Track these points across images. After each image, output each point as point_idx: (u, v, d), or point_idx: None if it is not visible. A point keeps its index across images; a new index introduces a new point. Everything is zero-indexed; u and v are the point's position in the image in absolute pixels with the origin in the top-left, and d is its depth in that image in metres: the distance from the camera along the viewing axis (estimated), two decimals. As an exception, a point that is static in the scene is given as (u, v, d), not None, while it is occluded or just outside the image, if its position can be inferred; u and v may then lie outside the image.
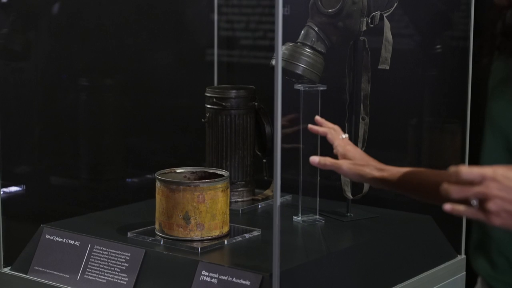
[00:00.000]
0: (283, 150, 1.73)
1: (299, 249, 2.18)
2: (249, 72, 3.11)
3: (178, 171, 2.26)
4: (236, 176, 2.50)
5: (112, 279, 2.08)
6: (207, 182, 2.12)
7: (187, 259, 2.02)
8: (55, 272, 2.17)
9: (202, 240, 2.12)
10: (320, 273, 2.02)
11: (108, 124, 2.97)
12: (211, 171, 2.27)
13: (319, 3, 2.33)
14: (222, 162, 2.50)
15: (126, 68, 2.99)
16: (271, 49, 2.00)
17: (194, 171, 2.28)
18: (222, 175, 2.20)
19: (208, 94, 2.53)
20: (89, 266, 2.13)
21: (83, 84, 2.89)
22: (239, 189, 2.52)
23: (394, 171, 1.66)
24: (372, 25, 2.34)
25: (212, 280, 1.95)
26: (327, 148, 1.86)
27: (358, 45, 2.38)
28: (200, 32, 3.18)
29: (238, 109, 2.50)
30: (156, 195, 2.16)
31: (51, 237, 2.23)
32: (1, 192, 2.35)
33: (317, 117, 1.88)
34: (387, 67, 2.35)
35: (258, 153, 2.58)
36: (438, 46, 2.76)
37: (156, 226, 2.17)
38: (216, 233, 2.14)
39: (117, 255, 2.11)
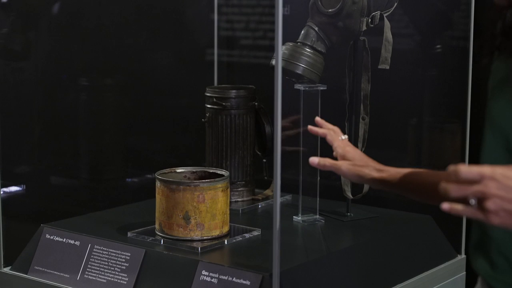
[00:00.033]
0: (283, 151, 1.73)
1: (299, 249, 2.18)
2: (249, 72, 3.11)
3: (178, 171, 2.26)
4: (236, 176, 2.50)
5: (112, 279, 2.08)
6: (207, 182, 2.13)
7: (187, 259, 2.02)
8: (55, 272, 2.17)
9: (202, 240, 2.12)
10: (320, 273, 2.02)
11: (108, 124, 2.97)
12: (211, 171, 2.27)
13: (319, 3, 2.33)
14: (222, 162, 2.50)
15: (126, 68, 2.99)
16: (271, 49, 2.00)
17: (194, 171, 2.28)
18: (222, 175, 2.20)
19: (208, 94, 2.53)
20: (89, 266, 2.14)
21: (83, 84, 2.89)
22: (239, 189, 2.52)
23: (393, 172, 1.67)
24: (372, 25, 2.34)
25: (212, 280, 1.95)
26: (327, 149, 1.86)
27: (358, 45, 2.38)
28: (200, 32, 3.18)
29: (238, 109, 2.50)
30: (156, 195, 2.16)
31: (51, 237, 2.23)
32: (1, 192, 2.35)
33: (317, 118, 1.88)
34: (387, 67, 2.35)
35: (258, 153, 2.58)
36: (438, 46, 2.76)
37: (156, 226, 2.17)
38: (216, 233, 2.14)
39: (117, 255, 2.11)
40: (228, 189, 2.18)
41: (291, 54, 2.31)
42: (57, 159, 2.88)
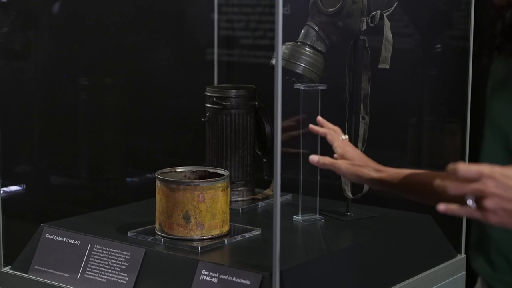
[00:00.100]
0: (284, 152, 1.74)
1: (299, 248, 2.18)
2: (249, 72, 3.11)
3: (178, 170, 2.26)
4: (236, 175, 2.50)
5: (112, 279, 2.08)
6: (207, 181, 2.13)
7: (187, 259, 2.02)
8: (55, 272, 2.17)
9: (202, 240, 2.12)
10: (320, 272, 2.02)
11: (108, 124, 2.97)
12: (211, 170, 2.27)
13: (319, 2, 2.33)
14: (222, 162, 2.50)
15: (126, 68, 2.99)
16: (271, 48, 2.00)
17: (194, 170, 2.28)
18: (222, 175, 2.20)
19: (208, 94, 2.53)
20: (89, 266, 2.14)
21: (83, 84, 2.89)
22: (239, 189, 2.52)
23: (391, 172, 1.67)
24: (372, 25, 2.34)
25: (212, 280, 1.95)
26: (327, 148, 1.86)
27: (358, 44, 2.38)
28: (200, 31, 3.18)
29: (238, 108, 2.50)
30: (156, 195, 2.16)
31: (51, 237, 2.24)
32: (1, 192, 2.35)
33: (319, 118, 1.89)
34: (387, 67, 2.35)
35: (258, 152, 2.58)
36: (438, 46, 2.76)
37: (156, 225, 2.17)
38: (216, 232, 2.14)
39: (117, 255, 2.11)
40: (228, 189, 2.18)
41: (291, 54, 2.31)
42: (57, 158, 2.88)
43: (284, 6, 2.56)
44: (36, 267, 2.21)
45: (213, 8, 3.05)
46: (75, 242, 2.19)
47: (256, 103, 2.53)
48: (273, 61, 2.19)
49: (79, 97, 2.89)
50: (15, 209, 2.60)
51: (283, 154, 1.72)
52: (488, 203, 1.24)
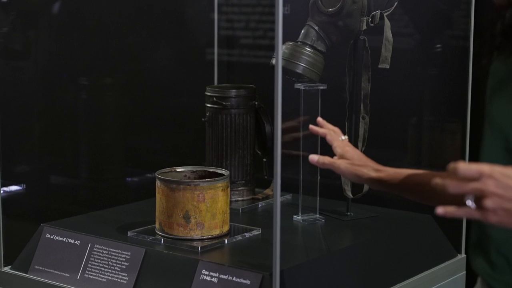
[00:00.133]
0: (284, 154, 1.74)
1: (299, 248, 2.18)
2: (249, 71, 3.11)
3: (178, 170, 2.26)
4: (236, 175, 2.50)
5: (112, 278, 2.08)
6: (207, 181, 2.13)
7: (187, 258, 2.02)
8: (55, 271, 2.17)
9: (202, 239, 2.12)
10: (320, 272, 2.02)
11: (108, 123, 2.97)
12: (211, 170, 2.27)
13: (319, 2, 2.33)
14: (222, 161, 2.50)
15: (126, 68, 2.99)
16: (271, 48, 2.00)
17: (194, 170, 2.28)
18: (222, 174, 2.20)
19: (208, 93, 2.53)
20: (89, 265, 2.14)
21: (83, 83, 2.89)
22: (239, 188, 2.52)
23: (391, 172, 1.67)
24: (372, 24, 2.34)
25: (212, 279, 1.95)
26: (327, 149, 1.86)
27: (358, 44, 2.38)
28: (200, 31, 3.18)
29: (238, 108, 2.50)
30: (156, 194, 2.16)
31: (51, 236, 2.24)
32: (1, 191, 2.35)
33: (319, 119, 1.90)
34: (387, 66, 2.35)
35: (258, 152, 2.58)
36: (438, 45, 2.76)
37: (156, 225, 2.17)
38: (216, 232, 2.14)
39: (117, 254, 2.11)
40: (228, 189, 2.18)
41: (291, 54, 2.31)
42: (57, 158, 2.88)
43: (284, 6, 2.56)
44: (36, 267, 2.21)
45: (213, 8, 3.05)
46: (75, 242, 2.19)
47: (256, 103, 2.53)
48: (273, 61, 2.19)
49: (79, 97, 2.89)
50: (15, 209, 2.60)
51: (285, 155, 1.72)
52: (488, 202, 1.24)
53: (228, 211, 2.18)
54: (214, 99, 2.50)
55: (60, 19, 2.84)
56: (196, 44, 3.17)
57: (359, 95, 2.40)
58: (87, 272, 2.13)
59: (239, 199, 2.52)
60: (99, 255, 2.13)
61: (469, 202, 1.26)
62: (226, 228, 2.17)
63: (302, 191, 2.35)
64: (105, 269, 2.10)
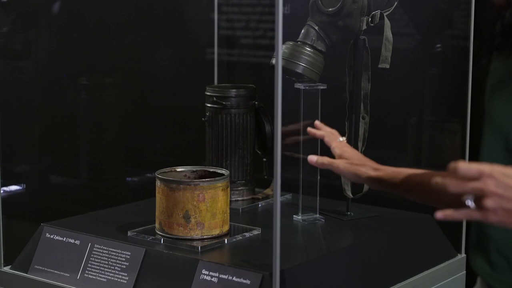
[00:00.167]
0: (289, 155, 1.75)
1: (299, 248, 2.18)
2: (249, 71, 3.11)
3: (178, 170, 2.26)
4: (236, 175, 2.50)
5: (112, 278, 2.08)
6: (207, 181, 2.13)
7: (187, 258, 2.02)
8: (55, 271, 2.17)
9: (202, 239, 2.12)
10: (320, 272, 2.02)
11: (108, 123, 2.97)
12: (211, 170, 2.27)
13: (319, 2, 2.33)
14: (222, 161, 2.50)
15: (126, 67, 2.99)
16: (271, 48, 2.00)
17: (194, 170, 2.28)
18: (222, 174, 2.20)
19: (208, 93, 2.53)
20: (89, 265, 2.14)
21: (83, 83, 2.89)
22: (239, 188, 2.52)
23: (390, 171, 1.67)
24: (372, 24, 2.34)
25: (212, 279, 1.95)
26: (327, 149, 1.87)
27: (358, 44, 2.38)
28: (200, 31, 3.18)
29: (238, 108, 2.50)
30: (156, 194, 2.16)
31: (51, 236, 2.24)
32: (1, 191, 2.35)
33: (317, 122, 1.91)
34: (387, 66, 2.35)
35: (258, 152, 2.59)
36: (438, 45, 2.76)
37: (156, 225, 2.17)
38: (216, 232, 2.14)
39: (117, 254, 2.11)
40: (228, 188, 2.18)
41: (291, 53, 2.32)
42: (57, 158, 2.88)
43: (284, 5, 2.56)
44: (36, 266, 2.21)
45: (213, 8, 3.05)
46: (75, 242, 2.19)
47: (256, 102, 2.53)
48: (273, 61, 2.19)
49: (79, 97, 2.89)
50: (15, 208, 2.60)
51: (287, 157, 1.72)
52: (488, 202, 1.24)
53: (228, 211, 2.18)
54: (214, 99, 2.50)
55: (60, 19, 2.84)
56: (196, 44, 3.17)
57: (359, 95, 2.40)
58: (87, 272, 2.13)
59: (239, 199, 2.52)
60: (99, 255, 2.13)
61: (469, 202, 1.26)
62: (226, 228, 2.17)
63: (302, 191, 2.35)
64: (105, 269, 2.11)
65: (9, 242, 2.29)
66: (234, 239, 2.16)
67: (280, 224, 1.75)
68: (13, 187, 2.71)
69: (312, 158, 1.77)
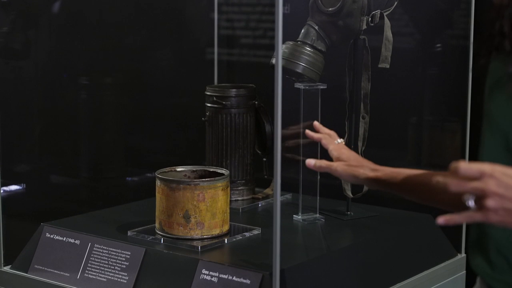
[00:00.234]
0: (290, 157, 1.75)
1: (299, 247, 2.18)
2: (249, 71, 3.11)
3: (178, 169, 2.26)
4: (236, 174, 2.50)
5: (112, 278, 2.08)
6: (207, 180, 2.13)
7: (187, 258, 2.02)
8: (55, 271, 2.17)
9: (202, 239, 2.12)
10: (320, 272, 2.02)
11: (108, 123, 2.97)
12: (211, 169, 2.27)
13: (319, 1, 2.33)
14: (222, 161, 2.50)
15: (126, 67, 2.99)
16: (271, 47, 2.00)
17: (194, 169, 2.28)
18: (222, 174, 2.20)
19: (208, 93, 2.53)
20: (89, 265, 2.14)
21: (83, 83, 2.89)
22: (239, 188, 2.52)
23: (388, 172, 1.67)
24: (372, 24, 2.34)
25: (212, 279, 1.95)
26: (327, 150, 1.87)
27: (358, 43, 2.38)
28: (200, 30, 3.18)
29: (238, 107, 2.50)
30: (156, 194, 2.16)
31: (51, 236, 2.24)
32: (1, 191, 2.35)
33: (315, 123, 1.91)
34: (387, 66, 2.35)
35: (258, 151, 2.59)
36: (438, 45, 2.76)
37: (156, 224, 2.17)
38: (216, 231, 2.14)
39: (117, 254, 2.11)
40: (228, 188, 2.18)
41: (291, 53, 2.32)
42: (57, 158, 2.88)
43: (284, 5, 2.56)
44: (36, 266, 2.21)
45: (213, 8, 3.05)
46: (75, 242, 2.19)
47: (256, 102, 2.53)
48: (273, 61, 2.19)
49: (79, 96, 2.89)
50: (15, 208, 2.60)
51: (289, 159, 1.72)
52: (489, 202, 1.24)
53: (228, 211, 2.18)
54: (214, 98, 2.50)
55: (60, 19, 2.84)
56: (196, 44, 3.17)
57: (359, 95, 2.40)
58: (87, 271, 2.13)
59: (239, 198, 2.52)
60: (99, 255, 2.13)
61: (469, 202, 1.26)
62: (226, 228, 2.17)
63: (302, 190, 2.35)
64: (105, 269, 2.11)
65: (9, 242, 2.29)
66: (234, 239, 2.16)
67: (280, 224, 1.75)
68: (13, 187, 2.72)
69: (310, 162, 1.77)
